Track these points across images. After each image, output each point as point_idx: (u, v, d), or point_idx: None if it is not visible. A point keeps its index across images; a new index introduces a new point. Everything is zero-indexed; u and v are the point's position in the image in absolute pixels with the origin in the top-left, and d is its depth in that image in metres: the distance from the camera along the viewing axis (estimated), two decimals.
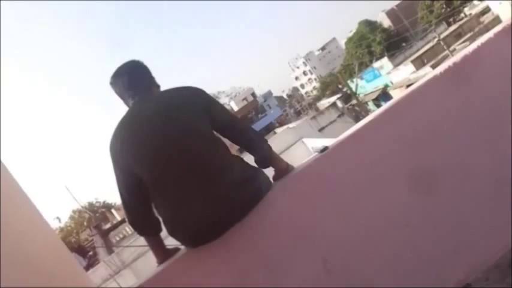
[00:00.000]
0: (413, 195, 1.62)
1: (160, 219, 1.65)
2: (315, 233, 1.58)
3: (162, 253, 1.68)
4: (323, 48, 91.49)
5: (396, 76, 32.58)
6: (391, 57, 35.79)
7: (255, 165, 1.66)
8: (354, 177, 1.63)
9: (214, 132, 1.60)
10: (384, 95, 35.80)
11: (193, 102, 1.59)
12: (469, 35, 28.12)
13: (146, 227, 1.66)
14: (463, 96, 1.69)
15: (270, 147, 1.69)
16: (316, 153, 1.71)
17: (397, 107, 1.73)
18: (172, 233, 1.56)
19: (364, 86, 35.31)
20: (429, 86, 1.71)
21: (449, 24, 36.41)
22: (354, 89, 21.69)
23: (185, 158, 1.51)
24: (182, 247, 1.67)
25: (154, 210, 1.64)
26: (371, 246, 1.60)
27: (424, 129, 1.67)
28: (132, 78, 1.68)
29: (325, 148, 1.67)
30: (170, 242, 1.69)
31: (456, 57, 1.73)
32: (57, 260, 1.72)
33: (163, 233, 1.66)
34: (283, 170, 1.73)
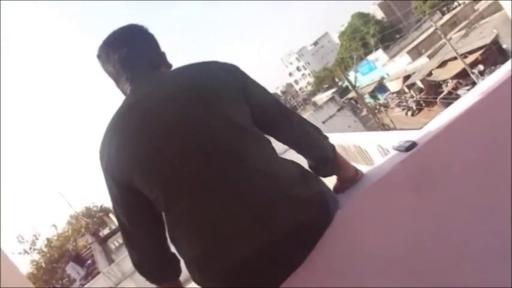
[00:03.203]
0: None
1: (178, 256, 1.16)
2: (415, 267, 1.08)
3: None
4: (316, 43, 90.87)
5: (392, 68, 32.25)
6: (385, 49, 35.37)
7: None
8: (463, 183, 1.14)
9: None
10: (379, 87, 35.48)
11: (226, 82, 1.08)
12: (464, 23, 27.78)
13: (160, 271, 1.16)
14: None
15: (334, 147, 1.19)
16: (398, 151, 1.22)
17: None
18: (199, 277, 1.04)
19: (359, 79, 34.86)
20: None
21: (443, 14, 36.00)
22: (352, 82, 21.18)
23: (219, 165, 1.00)
24: None
25: (170, 244, 1.14)
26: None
27: None
28: (134, 52, 1.15)
29: (413, 144, 1.17)
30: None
31: None
32: None
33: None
34: (352, 178, 1.23)
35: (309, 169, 1.18)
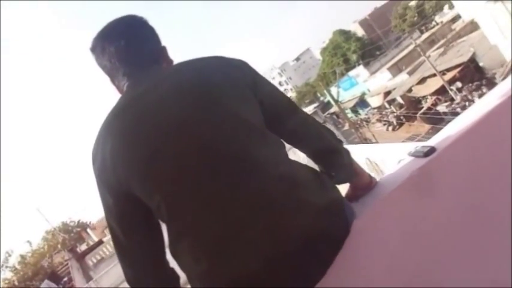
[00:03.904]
0: None
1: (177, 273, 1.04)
2: (440, 282, 0.99)
3: None
4: (298, 59, 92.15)
5: (373, 83, 32.82)
6: (366, 65, 36.05)
7: None
8: (486, 189, 1.07)
9: None
10: (361, 102, 35.99)
11: (234, 78, 0.98)
12: (442, 41, 28.62)
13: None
14: None
15: (349, 152, 1.11)
16: (414, 157, 1.14)
17: None
18: None
19: (341, 95, 35.26)
20: None
21: (422, 32, 37.06)
22: (334, 97, 21.38)
23: (228, 170, 0.89)
24: None
25: (168, 258, 1.03)
26: None
27: None
28: (132, 45, 1.05)
29: (432, 150, 1.10)
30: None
31: None
32: None
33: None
34: (367, 185, 1.14)
35: None
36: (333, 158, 1.08)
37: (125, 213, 0.98)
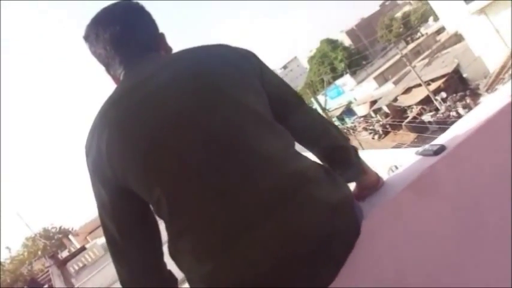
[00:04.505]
0: None
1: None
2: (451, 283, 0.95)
3: None
4: (285, 67, 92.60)
5: (359, 93, 33.17)
6: (353, 74, 36.44)
7: None
8: (496, 187, 1.03)
9: None
10: (347, 111, 36.30)
11: (241, 67, 0.92)
12: (427, 52, 29.16)
13: None
14: None
15: (357, 149, 1.06)
16: (423, 156, 1.11)
17: None
18: None
19: (328, 103, 35.51)
20: None
21: (407, 43, 37.70)
22: (322, 104, 21.50)
23: (236, 162, 0.84)
24: None
25: (167, 260, 0.96)
26: None
27: None
28: (128, 31, 0.98)
29: (442, 148, 1.06)
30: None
31: None
32: None
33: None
34: (374, 184, 1.10)
35: None
36: (340, 155, 1.03)
37: (121, 211, 0.92)
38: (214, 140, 0.84)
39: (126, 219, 0.93)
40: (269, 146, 0.87)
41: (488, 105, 1.18)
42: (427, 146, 1.11)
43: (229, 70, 0.91)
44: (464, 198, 1.03)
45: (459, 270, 0.98)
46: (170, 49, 1.07)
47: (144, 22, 1.03)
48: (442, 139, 1.15)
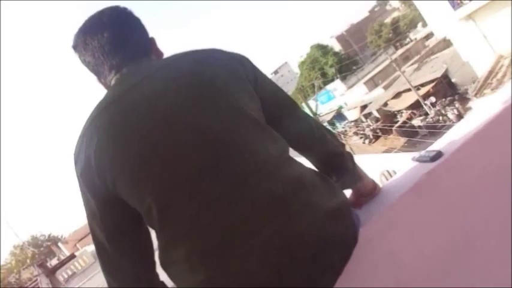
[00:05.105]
0: None
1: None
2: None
3: None
4: (276, 72, 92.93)
5: (350, 97, 33.39)
6: (343, 79, 36.71)
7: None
8: (494, 192, 1.02)
9: None
10: (338, 116, 36.50)
11: (235, 71, 0.90)
12: (416, 57, 29.50)
13: None
14: None
15: (352, 156, 1.05)
16: (419, 162, 1.09)
17: None
18: None
19: (319, 108, 35.67)
20: None
21: (396, 48, 38.12)
22: (313, 109, 21.60)
23: (231, 169, 0.81)
24: None
25: (159, 270, 0.93)
26: None
27: None
28: (117, 37, 0.95)
29: (439, 154, 1.05)
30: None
31: None
32: None
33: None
34: (371, 192, 1.09)
35: None
36: (336, 162, 1.01)
37: (111, 220, 0.89)
38: (208, 146, 0.82)
39: (116, 229, 0.90)
40: (264, 151, 0.85)
41: (482, 111, 1.17)
42: (423, 152, 1.10)
43: (223, 74, 0.89)
44: (462, 204, 1.01)
45: (458, 277, 0.97)
46: (161, 54, 1.04)
47: (133, 27, 1.00)
48: (438, 145, 1.14)
